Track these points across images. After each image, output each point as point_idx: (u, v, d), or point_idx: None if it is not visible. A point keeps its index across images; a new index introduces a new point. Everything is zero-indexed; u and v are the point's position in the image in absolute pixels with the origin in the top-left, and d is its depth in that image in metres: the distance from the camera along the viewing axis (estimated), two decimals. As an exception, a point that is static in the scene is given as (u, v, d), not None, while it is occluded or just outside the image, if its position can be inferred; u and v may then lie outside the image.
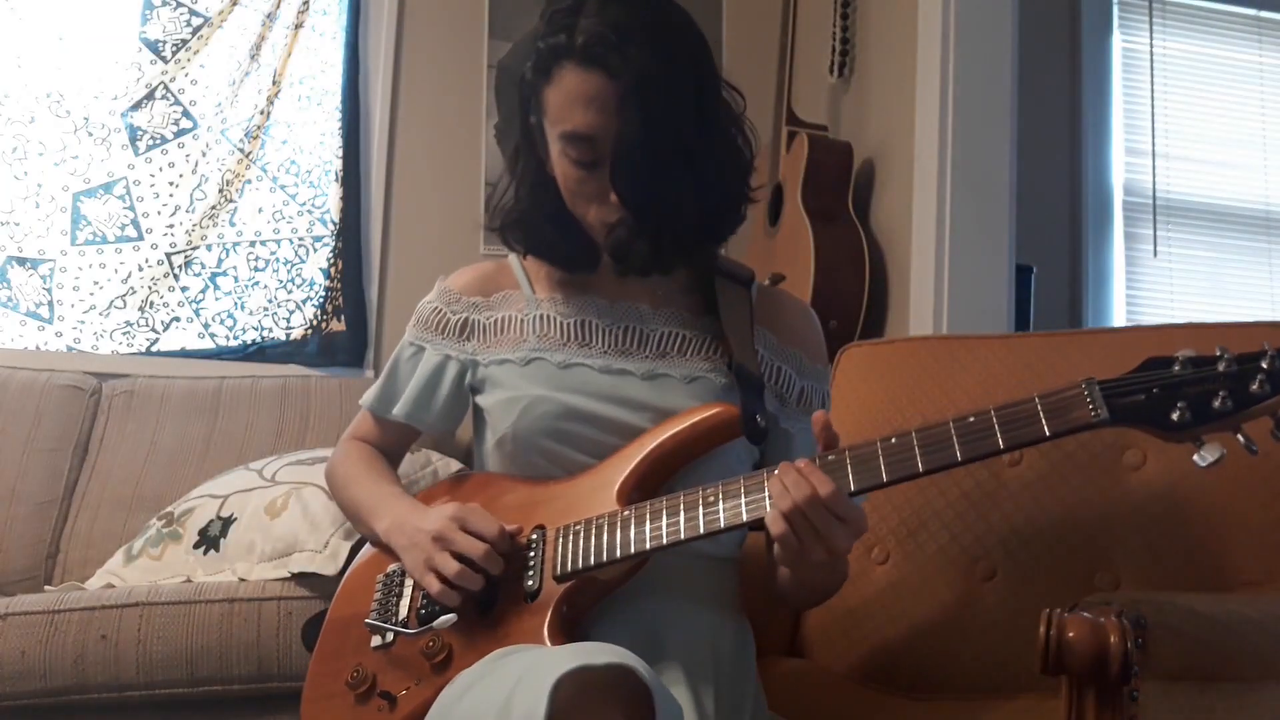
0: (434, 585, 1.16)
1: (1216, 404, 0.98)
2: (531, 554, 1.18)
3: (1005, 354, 1.59)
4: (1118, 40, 3.42)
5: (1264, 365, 0.97)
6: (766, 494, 1.09)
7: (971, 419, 1.05)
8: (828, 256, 2.50)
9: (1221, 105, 3.48)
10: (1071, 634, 0.96)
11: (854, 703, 1.44)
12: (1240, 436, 0.99)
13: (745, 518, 1.11)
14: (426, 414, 1.32)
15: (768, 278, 2.57)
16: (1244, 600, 1.23)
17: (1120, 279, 3.35)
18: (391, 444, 1.41)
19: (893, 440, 1.08)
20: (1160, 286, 3.38)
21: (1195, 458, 0.99)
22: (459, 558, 1.16)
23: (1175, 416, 0.99)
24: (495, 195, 1.34)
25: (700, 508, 1.12)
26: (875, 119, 2.71)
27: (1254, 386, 0.97)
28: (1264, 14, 3.52)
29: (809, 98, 2.91)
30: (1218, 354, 0.99)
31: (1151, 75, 3.37)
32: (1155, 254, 3.34)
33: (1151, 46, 3.38)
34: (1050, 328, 2.22)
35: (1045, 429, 1.02)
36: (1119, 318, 3.32)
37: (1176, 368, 1.00)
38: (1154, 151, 3.35)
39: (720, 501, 1.12)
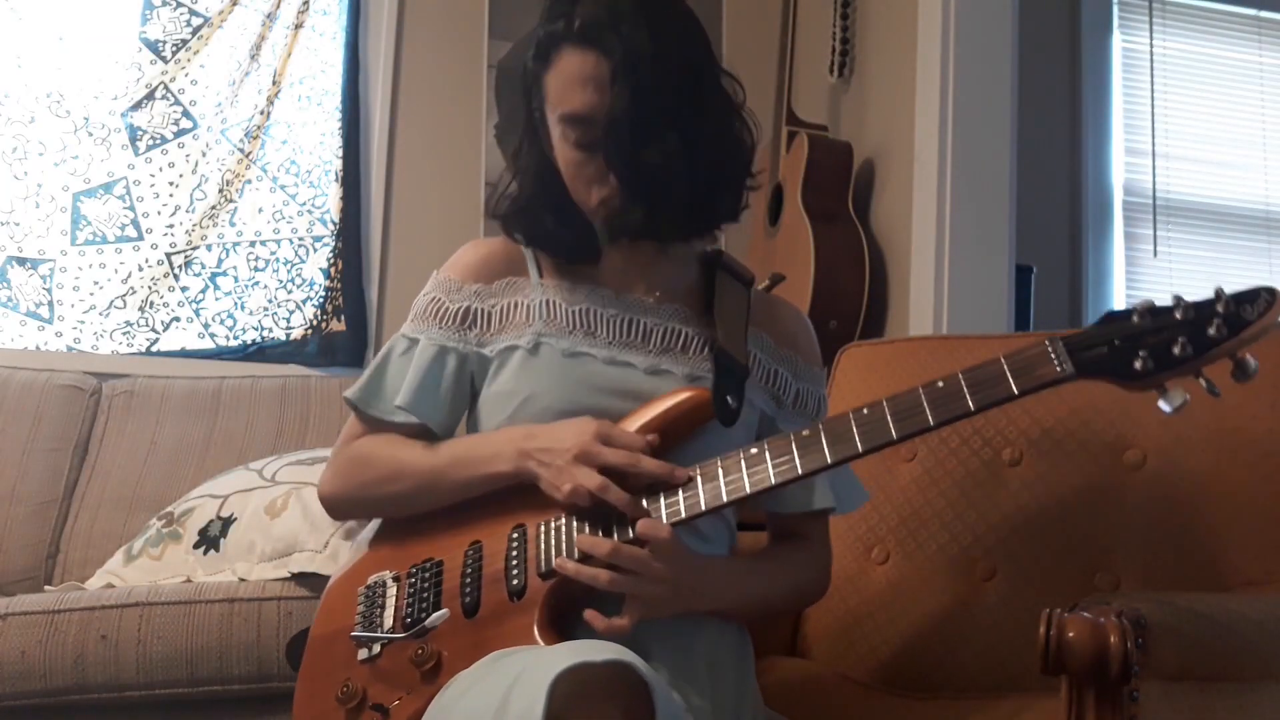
0: (583, 501, 1.12)
1: (1176, 350, 1.01)
2: (514, 552, 1.17)
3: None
4: (1118, 40, 3.42)
5: (1219, 309, 1.00)
6: (745, 474, 1.10)
7: (940, 384, 1.07)
8: (828, 256, 2.50)
9: (1221, 105, 3.47)
10: (1071, 634, 0.96)
11: (854, 703, 1.44)
12: (1202, 380, 1.02)
13: (725, 499, 1.11)
14: (436, 412, 1.25)
15: (768, 278, 2.57)
16: (1244, 600, 1.23)
17: (1120, 279, 3.34)
18: None
19: (864, 410, 1.09)
20: (1160, 286, 3.37)
21: (1160, 404, 1.02)
22: (604, 471, 1.13)
23: (1138, 365, 1.02)
24: (498, 185, 1.34)
25: (680, 492, 1.12)
26: (875, 119, 2.71)
27: (1211, 331, 1.00)
28: (1264, 14, 3.52)
29: (809, 98, 2.91)
30: (1174, 303, 1.03)
31: (1151, 75, 3.37)
32: (1155, 254, 3.34)
33: (1151, 46, 3.38)
34: (1050, 328, 2.21)
35: (1013, 387, 1.04)
36: (1119, 318, 3.31)
37: (1135, 319, 1.04)
38: (1154, 151, 3.35)
39: (700, 485, 1.12)
